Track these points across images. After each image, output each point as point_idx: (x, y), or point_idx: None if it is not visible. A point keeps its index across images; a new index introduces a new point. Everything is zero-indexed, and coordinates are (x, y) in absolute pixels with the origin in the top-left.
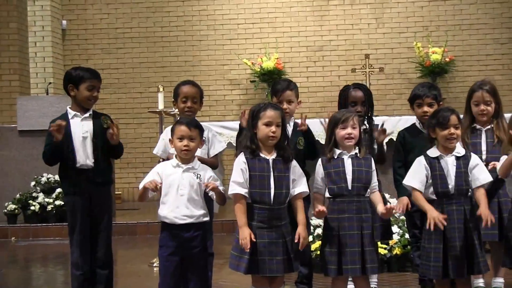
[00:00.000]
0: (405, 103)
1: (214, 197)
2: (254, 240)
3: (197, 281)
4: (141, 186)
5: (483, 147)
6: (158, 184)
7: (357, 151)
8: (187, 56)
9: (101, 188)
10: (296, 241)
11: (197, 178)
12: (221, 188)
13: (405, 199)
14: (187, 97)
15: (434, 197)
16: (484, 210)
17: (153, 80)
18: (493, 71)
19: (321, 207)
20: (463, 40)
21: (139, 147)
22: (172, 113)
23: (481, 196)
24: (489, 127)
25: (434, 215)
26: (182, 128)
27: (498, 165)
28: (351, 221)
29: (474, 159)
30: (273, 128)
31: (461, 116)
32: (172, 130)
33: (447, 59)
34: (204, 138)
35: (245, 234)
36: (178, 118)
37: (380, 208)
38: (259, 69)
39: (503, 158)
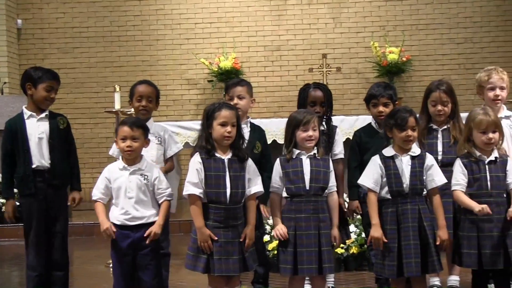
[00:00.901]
0: (362, 103)
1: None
2: (216, 238)
3: (150, 280)
4: (94, 195)
5: (439, 148)
6: (114, 232)
7: (315, 151)
8: (144, 56)
9: (57, 190)
10: (241, 240)
11: (144, 179)
12: (167, 193)
13: (354, 204)
14: (142, 96)
15: (389, 196)
16: (442, 235)
17: (109, 79)
18: (450, 70)
19: (282, 231)
20: (420, 40)
21: (96, 147)
22: (128, 113)
23: (438, 208)
24: (445, 127)
25: (376, 236)
26: (125, 129)
27: (453, 185)
28: (308, 221)
29: (430, 159)
30: (228, 128)
31: (417, 115)
32: (116, 131)
33: (404, 59)
34: (159, 137)
35: (205, 237)
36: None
37: (334, 232)
38: (216, 69)
39: (457, 165)
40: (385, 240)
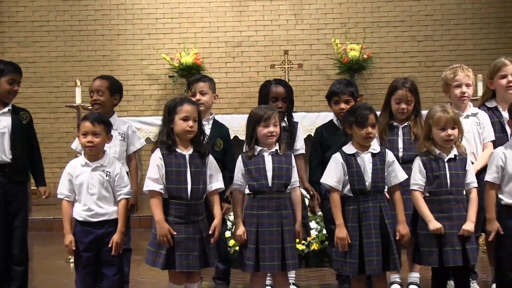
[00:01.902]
0: (323, 100)
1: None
2: (175, 233)
3: (113, 276)
4: (60, 193)
5: (400, 144)
6: (73, 250)
7: (277, 147)
8: (105, 51)
9: (17, 185)
10: (211, 232)
11: (106, 175)
12: (125, 190)
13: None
14: (93, 91)
15: (350, 194)
16: (402, 229)
17: (70, 74)
18: (410, 68)
19: (242, 238)
20: (381, 37)
21: (56, 142)
22: (89, 108)
23: (398, 204)
24: (406, 124)
25: (340, 236)
26: (86, 124)
27: (411, 185)
28: (270, 218)
29: (390, 155)
30: (190, 122)
31: (378, 113)
32: (78, 126)
33: (365, 56)
34: (123, 133)
35: (164, 231)
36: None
37: (297, 226)
38: (177, 64)
39: (416, 164)
40: (349, 241)
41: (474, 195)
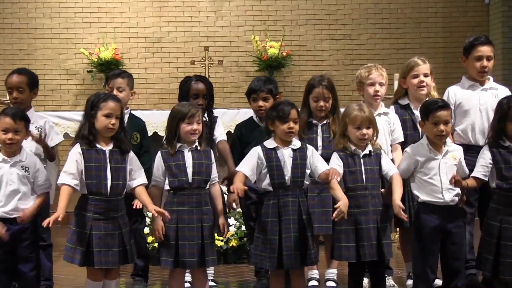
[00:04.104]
0: (242, 96)
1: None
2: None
3: (29, 272)
4: None
5: (319, 142)
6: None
7: (197, 144)
8: (22, 44)
9: None
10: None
11: (25, 171)
12: (46, 185)
13: (232, 197)
14: (12, 88)
15: (270, 188)
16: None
17: None
18: (328, 66)
19: (160, 228)
20: (300, 35)
21: None
22: (6, 102)
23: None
24: (325, 122)
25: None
26: (7, 121)
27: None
28: (190, 214)
29: (311, 150)
30: (113, 120)
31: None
32: None
33: (284, 54)
34: (40, 128)
35: (61, 214)
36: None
37: (222, 220)
38: (96, 59)
39: (333, 157)
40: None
41: (395, 176)
